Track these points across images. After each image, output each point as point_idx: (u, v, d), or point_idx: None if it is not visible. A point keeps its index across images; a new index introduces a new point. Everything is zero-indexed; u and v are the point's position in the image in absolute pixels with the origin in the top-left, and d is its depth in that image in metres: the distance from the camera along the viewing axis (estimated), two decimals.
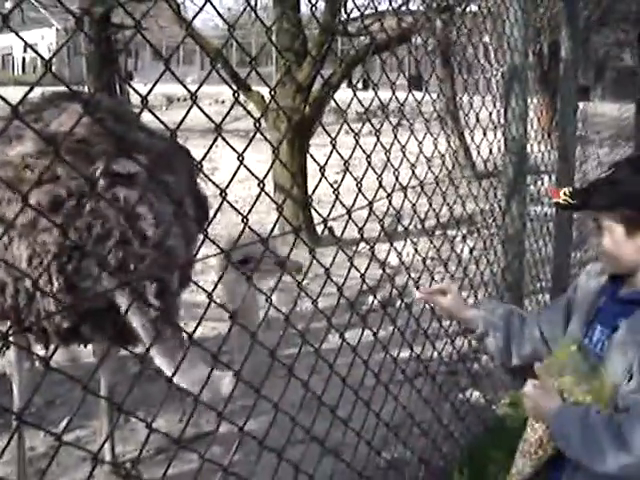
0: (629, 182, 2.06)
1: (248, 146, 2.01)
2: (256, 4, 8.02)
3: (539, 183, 5.50)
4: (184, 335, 2.69)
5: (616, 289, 2.17)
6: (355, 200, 2.56)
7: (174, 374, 2.12)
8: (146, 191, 2.69)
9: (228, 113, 2.03)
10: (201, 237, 1.91)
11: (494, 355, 2.55)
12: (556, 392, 2.10)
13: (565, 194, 2.14)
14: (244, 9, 2.01)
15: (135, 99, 10.66)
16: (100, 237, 2.61)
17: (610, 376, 2.02)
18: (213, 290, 1.96)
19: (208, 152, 1.90)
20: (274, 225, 2.42)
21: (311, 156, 2.51)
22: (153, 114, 1.76)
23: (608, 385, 2.01)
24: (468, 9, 5.55)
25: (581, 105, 6.41)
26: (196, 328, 1.96)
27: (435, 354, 3.50)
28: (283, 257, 2.52)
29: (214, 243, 1.96)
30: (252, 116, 2.09)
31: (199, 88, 1.82)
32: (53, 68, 1.40)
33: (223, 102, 21.96)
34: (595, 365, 2.08)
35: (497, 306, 2.54)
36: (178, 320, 2.75)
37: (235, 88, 2.01)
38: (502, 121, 4.28)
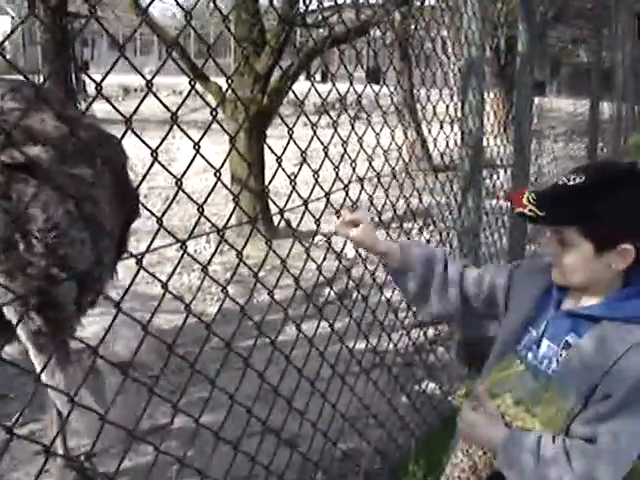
0: (610, 197, 1.79)
1: (204, 135, 1.98)
2: None
3: (495, 177, 5.55)
4: (70, 350, 2.53)
5: (560, 299, 1.97)
6: (312, 191, 2.56)
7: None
8: (45, 187, 2.41)
9: (183, 102, 2.00)
10: (152, 228, 1.87)
11: (407, 297, 2.39)
12: (499, 417, 1.91)
13: (529, 201, 1.85)
14: None
15: (91, 88, 10.52)
16: None
17: (561, 399, 1.83)
18: (168, 281, 1.94)
19: (163, 141, 1.87)
20: (230, 216, 2.41)
21: (268, 147, 2.49)
22: (108, 101, 1.74)
23: (559, 409, 1.83)
24: (427, 2, 5.57)
25: (537, 100, 6.48)
26: (150, 319, 1.93)
27: (391, 346, 3.52)
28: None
29: (170, 233, 1.94)
30: (209, 105, 2.07)
31: (154, 76, 1.78)
32: (8, 56, 1.37)
33: (181, 93, 21.81)
34: (544, 386, 1.89)
35: (417, 245, 2.36)
36: (68, 333, 2.54)
37: (192, 77, 1.99)
38: (459, 114, 4.31)
